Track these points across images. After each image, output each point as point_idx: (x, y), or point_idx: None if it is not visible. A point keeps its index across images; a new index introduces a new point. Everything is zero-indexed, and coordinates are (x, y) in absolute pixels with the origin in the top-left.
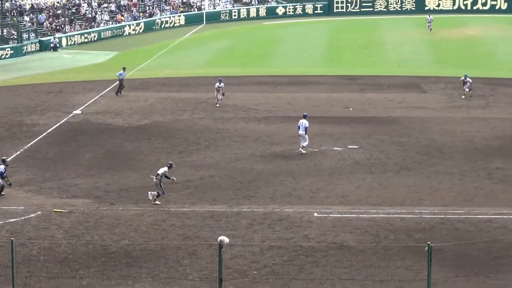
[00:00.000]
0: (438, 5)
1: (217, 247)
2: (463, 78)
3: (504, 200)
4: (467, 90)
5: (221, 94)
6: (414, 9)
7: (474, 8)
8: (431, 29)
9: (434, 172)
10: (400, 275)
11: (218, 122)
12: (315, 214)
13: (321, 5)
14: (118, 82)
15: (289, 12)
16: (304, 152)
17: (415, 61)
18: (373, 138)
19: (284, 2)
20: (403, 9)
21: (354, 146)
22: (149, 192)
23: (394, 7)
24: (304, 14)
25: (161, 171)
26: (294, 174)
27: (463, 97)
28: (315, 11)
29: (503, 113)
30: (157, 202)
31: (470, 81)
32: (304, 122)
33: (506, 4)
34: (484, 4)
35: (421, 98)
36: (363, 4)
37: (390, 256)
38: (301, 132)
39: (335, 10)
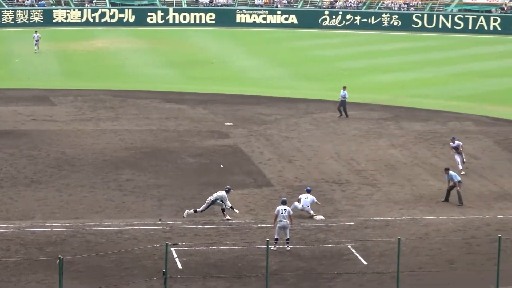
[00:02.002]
0: (66, 18)
1: None
2: None
3: (134, 211)
4: None
5: None
6: (42, 21)
7: (103, 20)
8: (38, 48)
9: (64, 185)
10: None
11: None
12: None
13: None
14: None
15: None
16: None
17: (44, 74)
18: (3, 152)
19: None
20: (31, 21)
21: None
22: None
23: (21, 20)
24: None
25: (215, 196)
26: None
27: None
28: None
29: (132, 125)
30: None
31: None
32: None
33: (134, 16)
34: (112, 17)
35: (50, 111)
36: None
37: (21, 271)
38: None
39: None
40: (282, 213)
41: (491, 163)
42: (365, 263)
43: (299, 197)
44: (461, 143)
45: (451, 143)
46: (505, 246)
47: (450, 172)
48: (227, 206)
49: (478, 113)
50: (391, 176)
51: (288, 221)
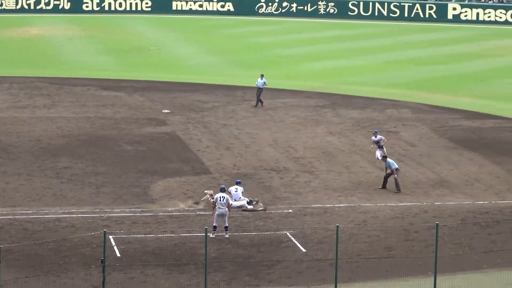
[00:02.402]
0: (1, 4)
1: None
2: None
3: (72, 199)
4: None
5: None
6: None
7: (38, 7)
8: None
9: (1, 172)
10: None
11: None
12: None
13: None
14: None
15: None
16: None
17: None
18: None
19: None
20: None
21: None
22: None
23: None
24: None
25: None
26: None
27: None
28: None
29: (68, 112)
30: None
31: None
32: None
33: (69, 4)
34: (47, 4)
35: None
36: None
37: None
38: None
39: None
40: (220, 200)
41: (428, 151)
42: (303, 250)
43: (229, 189)
44: (383, 138)
45: (373, 137)
46: (443, 233)
47: (388, 159)
48: (250, 204)
49: (415, 100)
50: (329, 163)
51: (226, 209)
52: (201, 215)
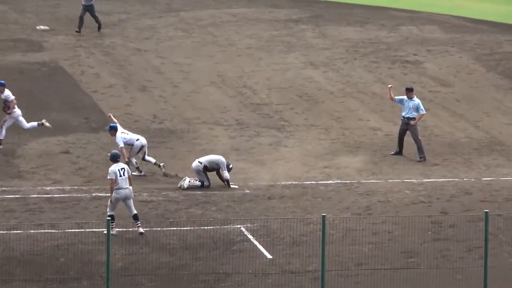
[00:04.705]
0: None
1: None
2: None
3: None
4: None
5: None
6: None
7: None
8: None
9: None
10: None
11: None
12: None
13: None
14: None
15: None
16: None
17: None
18: None
19: None
20: None
21: None
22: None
23: None
24: None
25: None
26: None
27: None
28: None
29: None
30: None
31: None
32: None
33: None
34: None
35: None
36: None
37: None
38: None
39: None
40: (121, 175)
41: (469, 93)
42: (269, 256)
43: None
44: (12, 97)
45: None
46: (497, 228)
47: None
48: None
49: (447, 11)
50: (309, 113)
51: (130, 187)
52: (99, 197)
